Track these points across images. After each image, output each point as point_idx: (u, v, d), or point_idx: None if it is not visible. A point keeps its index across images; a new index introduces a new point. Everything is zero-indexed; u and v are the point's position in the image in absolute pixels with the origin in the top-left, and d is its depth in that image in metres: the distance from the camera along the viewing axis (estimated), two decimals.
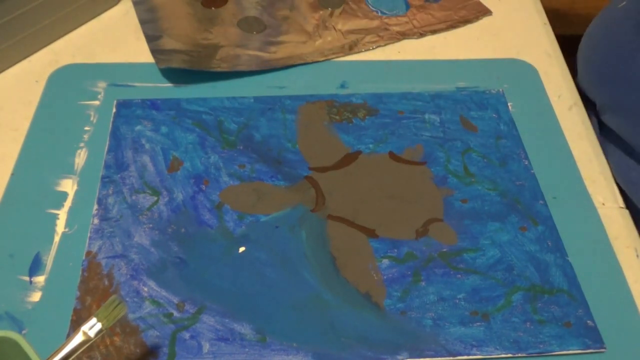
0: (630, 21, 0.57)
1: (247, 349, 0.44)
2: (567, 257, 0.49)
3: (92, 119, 0.57)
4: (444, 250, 0.49)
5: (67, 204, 0.51)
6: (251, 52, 0.63)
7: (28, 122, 0.57)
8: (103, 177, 0.53)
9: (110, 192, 0.52)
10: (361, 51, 0.65)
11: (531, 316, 0.46)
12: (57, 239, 0.49)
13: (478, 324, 0.46)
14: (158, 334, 0.44)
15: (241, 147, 0.55)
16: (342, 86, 0.61)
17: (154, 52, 0.61)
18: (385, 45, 0.66)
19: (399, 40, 0.66)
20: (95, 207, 0.51)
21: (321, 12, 0.68)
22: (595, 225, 0.52)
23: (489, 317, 0.46)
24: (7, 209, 0.51)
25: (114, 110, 0.58)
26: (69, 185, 0.52)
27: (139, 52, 0.63)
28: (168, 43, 0.62)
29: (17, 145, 0.55)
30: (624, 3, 0.58)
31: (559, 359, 0.45)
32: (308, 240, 0.50)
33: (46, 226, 0.50)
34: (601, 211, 0.53)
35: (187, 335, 0.44)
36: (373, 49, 0.65)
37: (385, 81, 0.62)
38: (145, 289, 0.47)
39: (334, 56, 0.64)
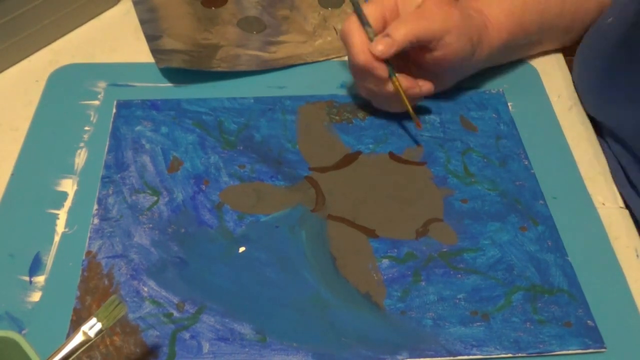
0: (615, 38, 0.55)
1: (247, 349, 0.44)
2: (567, 257, 0.49)
3: (92, 119, 0.57)
4: (444, 250, 0.49)
5: (67, 204, 0.51)
6: (251, 52, 0.63)
7: (28, 122, 0.57)
8: (103, 177, 0.53)
9: (110, 192, 0.52)
10: None
11: (531, 316, 0.46)
12: (57, 239, 0.49)
13: (478, 323, 0.46)
14: (158, 333, 0.44)
15: (241, 148, 0.56)
16: (342, 86, 0.61)
17: (154, 52, 0.61)
18: None
19: None
20: (95, 207, 0.51)
21: (321, 12, 0.68)
22: (595, 225, 0.52)
23: (489, 317, 0.46)
24: (7, 209, 0.51)
25: (114, 110, 0.58)
26: (69, 185, 0.52)
27: (139, 52, 0.63)
28: (168, 43, 0.62)
29: (17, 145, 0.55)
30: (610, 19, 0.57)
31: (559, 359, 0.45)
32: (308, 240, 0.50)
33: (46, 226, 0.50)
34: (601, 211, 0.53)
35: (187, 335, 0.44)
36: None
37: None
38: (145, 289, 0.47)
39: (334, 56, 0.64)
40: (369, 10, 0.54)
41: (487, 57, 0.58)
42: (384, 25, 0.54)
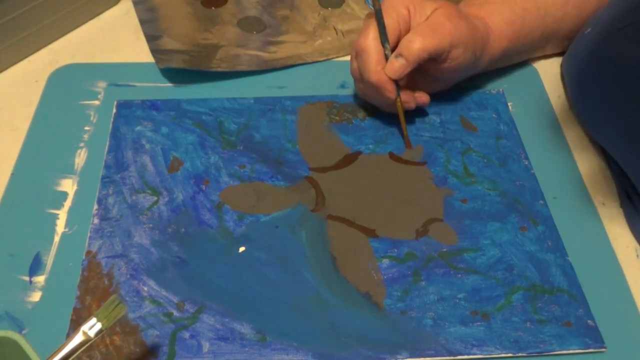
0: (590, 49, 0.55)
1: (247, 349, 0.44)
2: (567, 257, 0.49)
3: (92, 119, 0.57)
4: (444, 250, 0.49)
5: (67, 204, 0.51)
6: (251, 52, 0.63)
7: (28, 122, 0.57)
8: (103, 177, 0.53)
9: (110, 192, 0.52)
10: None
11: (531, 316, 0.46)
12: (57, 238, 0.49)
13: (478, 323, 0.46)
14: (158, 333, 0.44)
15: (241, 148, 0.56)
16: (342, 86, 0.61)
17: (154, 52, 0.61)
18: None
19: None
20: (95, 207, 0.51)
21: (321, 12, 0.68)
22: (595, 225, 0.52)
23: (489, 316, 0.46)
24: (7, 209, 0.51)
25: (114, 110, 0.58)
26: (69, 185, 0.52)
27: (139, 52, 0.63)
28: (168, 43, 0.62)
29: (17, 145, 0.55)
30: (589, 30, 0.57)
31: (559, 359, 0.45)
32: (308, 240, 0.50)
33: (46, 226, 0.50)
34: (601, 211, 0.53)
35: (187, 334, 0.44)
36: None
37: None
38: (145, 289, 0.47)
39: (334, 56, 0.64)
40: (386, 22, 0.53)
41: (488, 64, 0.59)
42: (398, 37, 0.54)
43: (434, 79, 0.57)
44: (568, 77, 0.60)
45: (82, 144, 0.55)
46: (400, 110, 0.55)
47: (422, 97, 0.57)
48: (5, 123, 0.57)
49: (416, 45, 0.52)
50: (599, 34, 0.54)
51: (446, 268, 0.48)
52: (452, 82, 0.59)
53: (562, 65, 0.63)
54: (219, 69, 0.61)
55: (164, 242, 0.49)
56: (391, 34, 0.53)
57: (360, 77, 0.55)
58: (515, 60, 0.63)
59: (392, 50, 0.53)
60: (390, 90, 0.54)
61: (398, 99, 0.54)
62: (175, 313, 0.45)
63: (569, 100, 0.61)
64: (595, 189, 0.54)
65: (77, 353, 0.37)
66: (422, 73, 0.56)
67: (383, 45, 0.53)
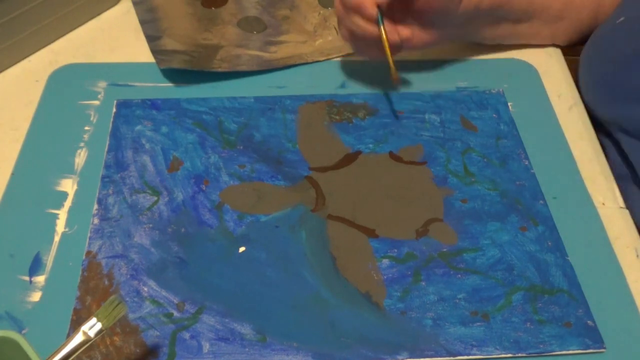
0: (627, 36, 0.55)
1: (247, 349, 0.44)
2: (567, 257, 0.49)
3: (92, 118, 0.57)
4: (444, 250, 0.49)
5: (67, 204, 0.51)
6: (251, 52, 0.63)
7: (28, 122, 0.57)
8: (103, 177, 0.53)
9: (110, 192, 0.52)
10: None
11: (531, 316, 0.46)
12: (57, 238, 0.49)
13: (478, 323, 0.46)
14: (158, 333, 0.44)
15: (241, 147, 0.56)
16: (342, 86, 0.61)
17: (155, 52, 0.61)
18: None
19: None
20: (95, 207, 0.51)
21: (321, 12, 0.68)
22: (595, 225, 0.52)
23: (489, 317, 0.46)
24: (7, 209, 0.51)
25: (114, 110, 0.58)
26: (69, 185, 0.52)
27: (139, 52, 0.63)
28: (168, 43, 0.62)
29: (17, 145, 0.55)
30: (622, 19, 0.57)
31: (559, 359, 0.45)
32: (308, 240, 0.50)
33: (46, 226, 0.50)
34: (601, 211, 0.53)
35: (187, 335, 0.44)
36: None
37: (385, 81, 0.62)
38: (145, 289, 0.47)
39: (334, 56, 0.64)
40: None
41: (473, 13, 0.58)
42: None
43: (419, 26, 0.56)
44: (595, 70, 0.59)
45: (82, 144, 0.55)
46: (384, 37, 0.54)
47: (404, 31, 0.56)
48: (5, 123, 0.57)
49: None
50: (637, 21, 0.54)
51: (446, 268, 0.48)
52: (438, 33, 0.58)
53: (582, 60, 0.62)
54: (220, 69, 0.61)
55: (164, 242, 0.49)
56: None
57: (342, 10, 0.55)
58: (503, 31, 0.62)
59: None
60: (370, 6, 0.53)
61: (382, 27, 0.54)
62: (176, 313, 0.45)
63: (579, 96, 0.60)
64: (595, 189, 0.54)
65: (77, 353, 0.37)
66: (405, 18, 0.56)
67: None
